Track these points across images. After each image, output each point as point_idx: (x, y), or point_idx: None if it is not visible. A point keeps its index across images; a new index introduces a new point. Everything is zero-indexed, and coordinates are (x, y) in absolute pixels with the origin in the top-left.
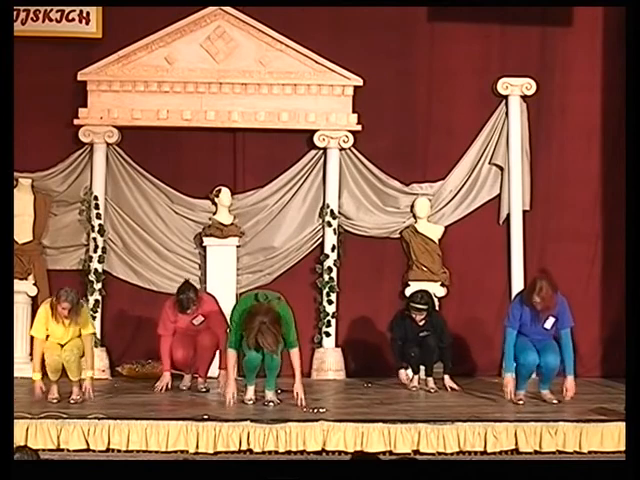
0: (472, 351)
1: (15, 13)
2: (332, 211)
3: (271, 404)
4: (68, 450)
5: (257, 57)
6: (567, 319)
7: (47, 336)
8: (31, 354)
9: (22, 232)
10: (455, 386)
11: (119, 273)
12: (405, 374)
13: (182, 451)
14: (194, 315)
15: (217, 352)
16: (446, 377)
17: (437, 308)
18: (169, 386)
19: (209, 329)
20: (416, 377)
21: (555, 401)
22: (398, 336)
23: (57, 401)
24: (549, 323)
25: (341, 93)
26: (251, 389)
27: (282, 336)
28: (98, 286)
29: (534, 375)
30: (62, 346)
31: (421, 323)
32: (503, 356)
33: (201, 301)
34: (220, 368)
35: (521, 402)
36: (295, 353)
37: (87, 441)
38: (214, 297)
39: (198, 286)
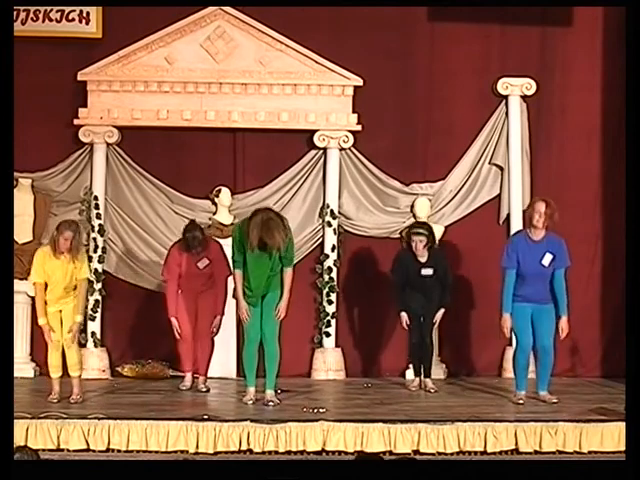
0: (472, 351)
1: (15, 13)
2: (332, 211)
3: (270, 404)
4: (68, 450)
5: (257, 57)
6: (564, 258)
7: (46, 285)
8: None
9: (22, 232)
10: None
11: (119, 273)
12: (406, 317)
13: (182, 451)
14: (200, 257)
15: (213, 346)
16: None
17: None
18: (179, 331)
19: (213, 287)
20: (417, 379)
21: (555, 400)
22: (399, 280)
23: (57, 401)
24: (547, 260)
25: (341, 93)
26: (252, 390)
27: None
28: (98, 286)
29: (531, 375)
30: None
31: (423, 259)
32: (502, 295)
33: (207, 244)
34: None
35: (521, 402)
36: (289, 273)
37: (87, 441)
38: (220, 244)
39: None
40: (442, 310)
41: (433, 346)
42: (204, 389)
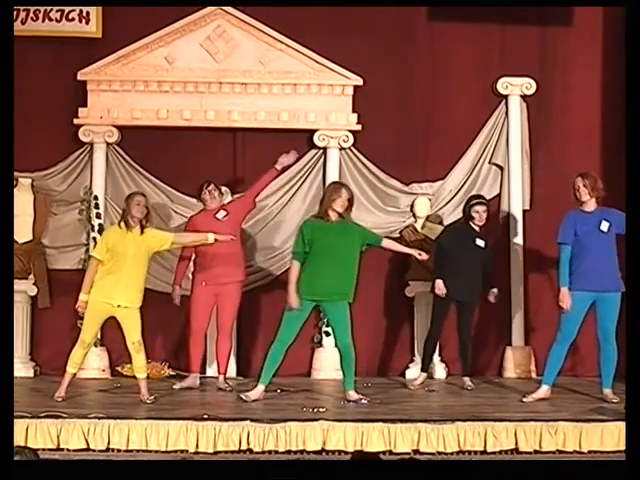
0: (472, 351)
1: (15, 13)
2: None
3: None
4: (68, 450)
5: (257, 57)
6: (622, 224)
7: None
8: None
9: (22, 232)
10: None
11: None
12: (442, 285)
13: (182, 451)
14: (217, 209)
15: (232, 344)
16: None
17: None
18: (176, 301)
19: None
20: (422, 375)
21: (615, 400)
22: (445, 245)
23: (61, 400)
24: (605, 226)
25: (341, 93)
26: (262, 388)
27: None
28: None
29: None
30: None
31: (478, 230)
32: (558, 272)
33: (223, 197)
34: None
35: (527, 400)
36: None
37: (87, 441)
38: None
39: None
40: (495, 290)
41: (469, 343)
42: (228, 388)
